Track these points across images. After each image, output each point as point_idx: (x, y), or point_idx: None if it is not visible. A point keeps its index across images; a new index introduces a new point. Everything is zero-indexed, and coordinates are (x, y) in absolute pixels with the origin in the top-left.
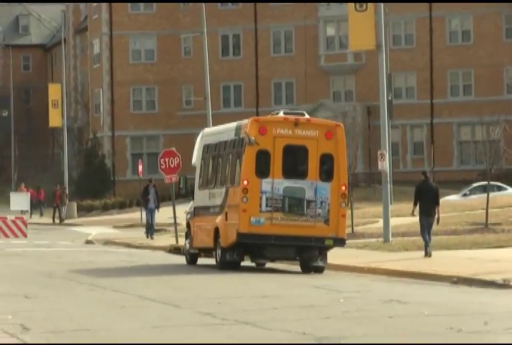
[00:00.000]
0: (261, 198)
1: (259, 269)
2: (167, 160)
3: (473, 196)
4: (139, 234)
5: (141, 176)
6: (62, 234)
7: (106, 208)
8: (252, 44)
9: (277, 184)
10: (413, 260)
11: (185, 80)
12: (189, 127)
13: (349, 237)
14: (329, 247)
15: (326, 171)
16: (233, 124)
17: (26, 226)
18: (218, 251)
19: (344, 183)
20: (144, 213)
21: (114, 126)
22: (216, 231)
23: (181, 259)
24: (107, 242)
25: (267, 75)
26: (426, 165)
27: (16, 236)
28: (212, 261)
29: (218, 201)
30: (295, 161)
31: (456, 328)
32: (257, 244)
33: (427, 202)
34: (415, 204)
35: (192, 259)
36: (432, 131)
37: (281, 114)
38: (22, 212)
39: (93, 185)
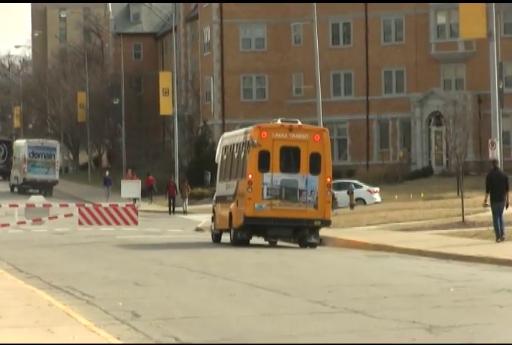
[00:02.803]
0: (263, 188)
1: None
2: None
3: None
4: None
5: None
6: (172, 222)
7: None
8: (362, 32)
9: (275, 177)
10: None
11: (295, 69)
12: (299, 116)
13: (459, 226)
14: (318, 227)
15: (315, 166)
16: (242, 130)
17: (137, 214)
18: (232, 232)
19: (329, 176)
20: None
21: (225, 114)
22: (230, 215)
23: (293, 245)
24: None
25: (377, 63)
26: None
27: (127, 223)
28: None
29: (232, 191)
30: (289, 159)
31: None
32: (260, 225)
33: (497, 188)
34: (487, 192)
35: (216, 238)
36: None
37: (278, 122)
38: (133, 200)
39: (203, 173)
